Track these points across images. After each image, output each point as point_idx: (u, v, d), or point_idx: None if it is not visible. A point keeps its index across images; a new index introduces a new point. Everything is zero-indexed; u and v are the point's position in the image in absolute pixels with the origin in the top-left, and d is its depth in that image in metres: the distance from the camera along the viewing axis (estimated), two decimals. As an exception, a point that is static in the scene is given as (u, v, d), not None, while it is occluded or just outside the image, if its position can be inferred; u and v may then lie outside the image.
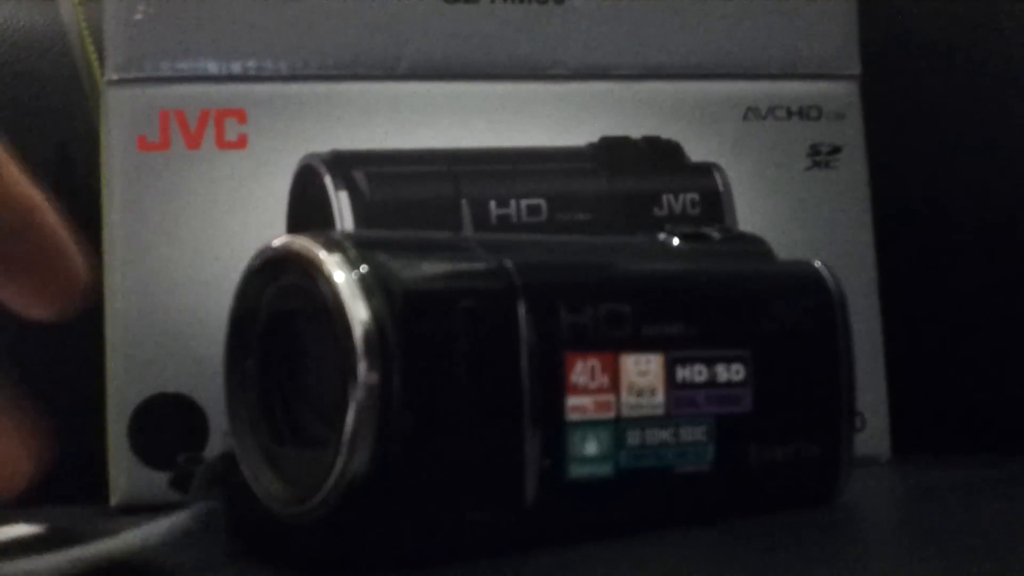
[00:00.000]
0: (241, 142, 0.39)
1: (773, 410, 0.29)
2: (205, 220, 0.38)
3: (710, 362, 0.28)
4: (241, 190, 0.39)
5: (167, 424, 0.38)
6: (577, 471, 0.26)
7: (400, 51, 0.40)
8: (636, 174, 0.41)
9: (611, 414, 0.27)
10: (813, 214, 0.42)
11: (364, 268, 0.24)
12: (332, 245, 0.25)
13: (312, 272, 0.25)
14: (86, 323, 0.34)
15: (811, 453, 0.30)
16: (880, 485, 0.38)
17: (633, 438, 0.27)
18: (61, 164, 0.48)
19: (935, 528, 0.29)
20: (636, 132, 0.42)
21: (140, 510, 0.35)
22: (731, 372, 0.29)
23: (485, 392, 0.25)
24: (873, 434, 0.42)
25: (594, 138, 0.41)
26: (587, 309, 0.27)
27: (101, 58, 0.40)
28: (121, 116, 0.39)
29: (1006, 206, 0.46)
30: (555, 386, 0.26)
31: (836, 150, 0.43)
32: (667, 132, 0.42)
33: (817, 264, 0.31)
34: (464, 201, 0.39)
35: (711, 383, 0.28)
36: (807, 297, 0.30)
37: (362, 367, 0.24)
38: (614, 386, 0.27)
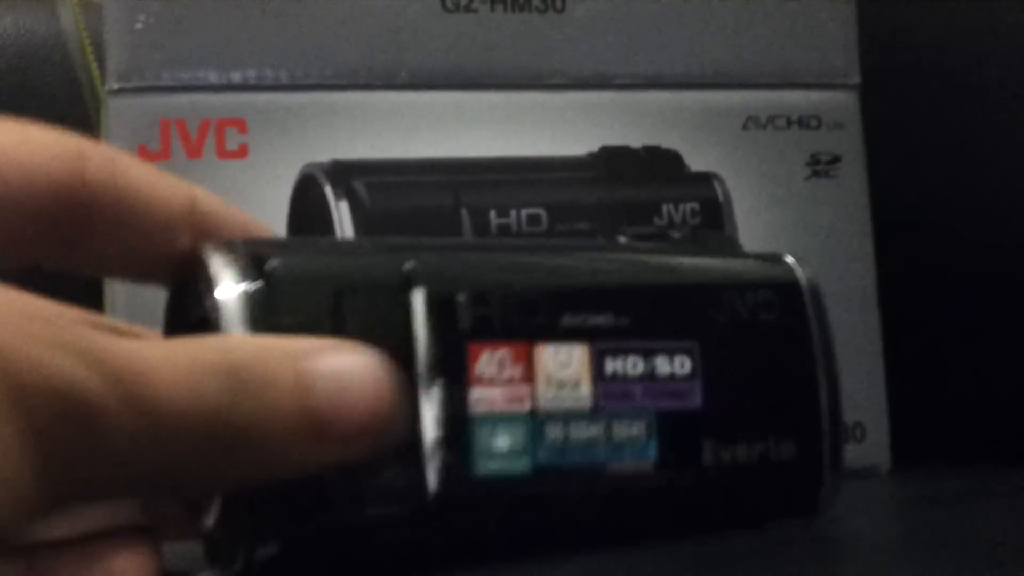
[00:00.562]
0: (242, 151, 0.39)
1: (730, 406, 0.28)
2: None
3: (648, 354, 0.27)
4: (242, 199, 0.39)
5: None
6: (486, 466, 0.25)
7: (400, 60, 0.41)
8: (636, 183, 0.41)
9: (525, 407, 0.26)
10: (813, 223, 0.43)
11: (244, 263, 0.24)
12: (224, 248, 0.25)
13: (201, 276, 0.25)
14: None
15: (784, 455, 0.28)
16: (880, 495, 0.38)
17: (554, 433, 0.26)
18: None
19: (936, 538, 0.29)
20: (636, 141, 0.42)
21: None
22: (674, 365, 0.27)
23: None
24: (873, 444, 0.42)
25: (594, 147, 0.41)
26: (494, 298, 0.26)
27: (102, 67, 0.40)
28: (122, 125, 0.39)
29: (1006, 215, 0.46)
30: (456, 377, 0.25)
31: (836, 159, 0.43)
32: (667, 141, 0.42)
33: (787, 257, 0.30)
34: (464, 211, 0.39)
35: (650, 376, 0.27)
36: (771, 289, 0.29)
37: None
38: (528, 378, 0.26)
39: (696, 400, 0.27)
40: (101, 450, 0.19)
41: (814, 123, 0.43)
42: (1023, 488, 0.37)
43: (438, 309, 0.25)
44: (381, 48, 0.40)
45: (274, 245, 0.26)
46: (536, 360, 0.26)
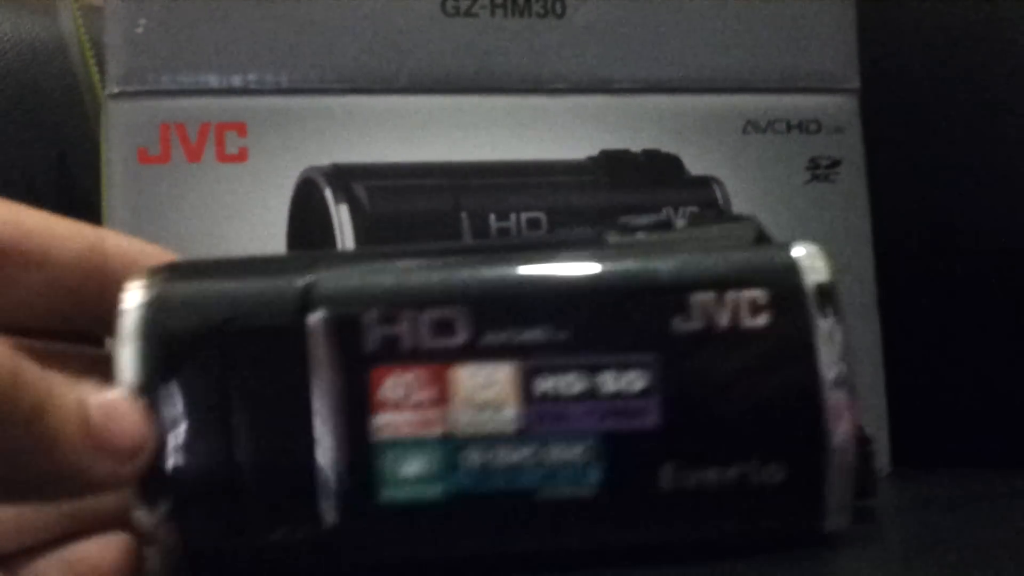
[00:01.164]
0: (242, 155, 0.39)
1: (699, 424, 0.25)
2: (206, 233, 0.38)
3: (590, 371, 0.24)
4: (242, 203, 0.39)
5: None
6: (392, 494, 0.24)
7: (400, 65, 0.41)
8: (636, 187, 0.41)
9: (437, 431, 0.24)
10: (812, 227, 0.43)
11: (147, 297, 0.24)
12: (150, 272, 0.25)
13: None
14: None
15: (770, 479, 0.25)
16: (880, 499, 0.38)
17: (471, 458, 0.24)
18: (62, 177, 0.48)
19: (935, 542, 0.29)
20: (636, 145, 0.42)
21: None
22: (622, 382, 0.24)
23: (269, 412, 0.24)
24: (873, 447, 0.42)
25: (594, 151, 0.41)
26: (405, 318, 0.24)
27: (102, 71, 0.40)
28: (122, 129, 0.39)
29: (1006, 219, 0.46)
30: (358, 404, 0.24)
31: (835, 163, 0.43)
32: (667, 145, 0.42)
33: (795, 250, 0.26)
34: (464, 214, 0.39)
35: (590, 395, 0.24)
36: (761, 290, 0.25)
37: (127, 376, 0.24)
38: (442, 401, 0.24)
39: (651, 419, 0.24)
40: None
41: (814, 127, 0.43)
42: (1018, 492, 0.37)
43: (338, 332, 0.24)
44: (381, 52, 0.40)
45: (171, 272, 0.26)
46: (452, 382, 0.24)
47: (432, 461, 0.24)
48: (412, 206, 0.39)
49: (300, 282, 0.25)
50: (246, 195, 0.39)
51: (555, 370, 0.25)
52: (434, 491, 0.24)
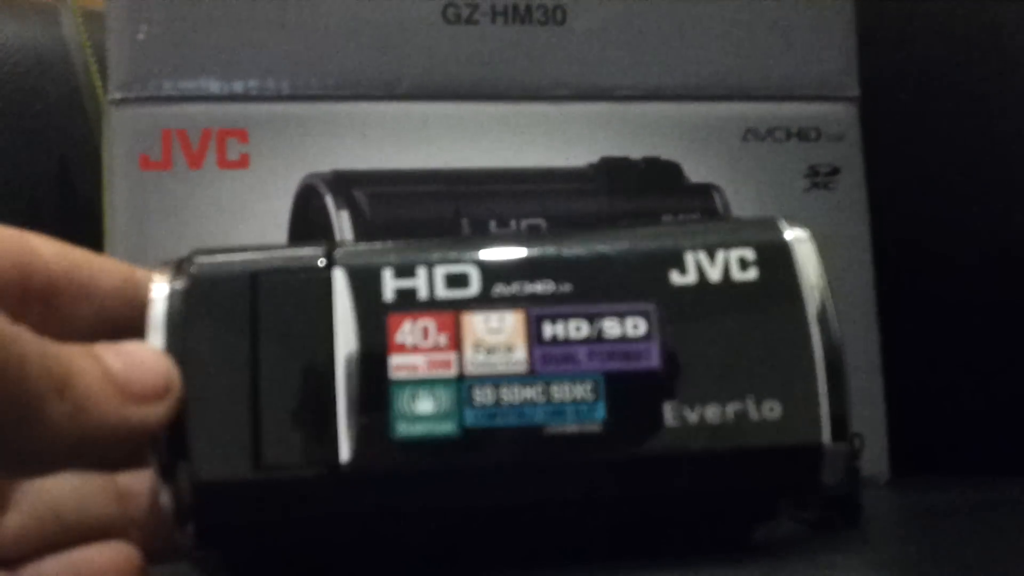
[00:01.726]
0: (243, 161, 0.39)
1: (696, 367, 0.27)
2: (207, 239, 0.39)
3: (593, 317, 0.27)
4: (243, 209, 0.39)
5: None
6: (407, 429, 0.26)
7: (401, 71, 0.41)
8: (636, 194, 0.41)
9: (451, 372, 0.26)
10: (812, 234, 0.43)
11: (178, 266, 0.27)
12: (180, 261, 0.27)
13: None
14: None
15: (768, 415, 0.27)
16: (879, 506, 0.38)
17: (483, 396, 0.26)
18: (63, 183, 0.48)
19: (934, 549, 0.29)
20: (636, 153, 0.42)
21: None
22: (625, 327, 0.27)
23: (293, 355, 0.26)
24: (872, 455, 0.42)
25: (594, 158, 0.42)
26: (419, 274, 0.27)
27: (104, 77, 0.40)
28: (123, 135, 0.39)
29: (1005, 226, 0.46)
30: (376, 347, 0.26)
31: (835, 171, 0.43)
32: (667, 153, 0.42)
33: (780, 220, 0.29)
34: (464, 221, 0.39)
35: (596, 339, 0.26)
36: (751, 248, 0.28)
37: (156, 338, 0.26)
38: (455, 344, 0.26)
39: (652, 361, 0.27)
40: None
41: (813, 135, 0.43)
42: (1020, 499, 0.37)
43: (360, 284, 0.26)
44: (382, 59, 0.41)
45: (207, 253, 0.27)
46: (463, 327, 0.26)
47: (446, 398, 0.26)
48: (413, 213, 0.39)
49: (324, 248, 0.27)
50: (247, 201, 0.39)
51: (561, 316, 0.27)
52: (448, 426, 0.26)
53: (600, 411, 0.26)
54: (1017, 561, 0.28)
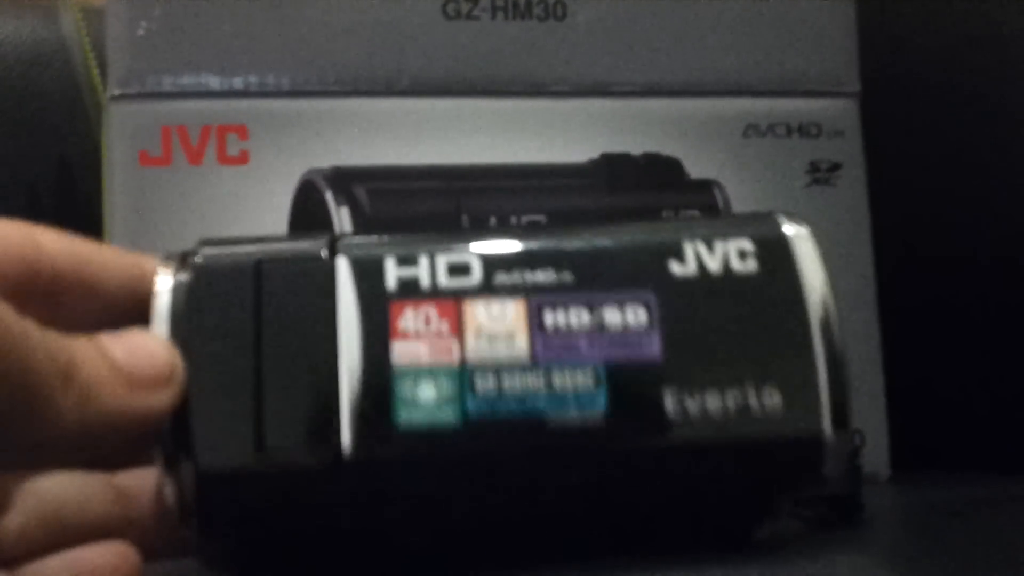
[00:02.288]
0: (243, 157, 0.39)
1: (697, 356, 0.27)
2: (207, 235, 0.38)
3: (595, 306, 0.27)
4: (243, 205, 0.39)
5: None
6: (409, 417, 0.25)
7: (401, 67, 0.41)
8: (636, 190, 0.41)
9: (453, 359, 0.26)
10: (810, 227, 0.42)
11: (182, 255, 0.27)
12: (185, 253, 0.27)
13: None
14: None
15: (769, 403, 0.26)
16: (879, 503, 0.38)
17: (485, 383, 0.26)
18: (63, 179, 0.48)
19: (935, 546, 0.29)
20: (636, 149, 0.42)
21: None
22: (626, 316, 0.27)
23: (296, 342, 0.26)
24: (872, 451, 0.42)
25: (595, 154, 0.42)
26: (421, 263, 0.27)
27: (103, 73, 0.40)
28: (123, 131, 0.39)
29: (1006, 222, 0.46)
30: (378, 334, 0.26)
31: (836, 167, 0.43)
32: (667, 149, 0.42)
33: (778, 213, 0.29)
34: (464, 217, 0.39)
35: (597, 328, 0.27)
36: (749, 240, 0.28)
37: (160, 328, 0.26)
38: (457, 332, 0.26)
39: (653, 350, 0.26)
40: None
41: (814, 131, 0.43)
42: (1020, 496, 0.37)
43: (362, 273, 0.26)
44: (382, 54, 0.41)
45: (213, 244, 0.28)
46: (465, 315, 0.26)
47: (448, 386, 0.26)
48: (413, 209, 0.39)
49: (327, 238, 0.27)
50: (247, 197, 0.39)
51: (562, 304, 0.27)
52: (449, 415, 0.26)
53: (601, 400, 0.26)
54: (1018, 558, 0.28)
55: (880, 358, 0.43)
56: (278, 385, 0.25)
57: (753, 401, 0.26)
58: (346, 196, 0.38)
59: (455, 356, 0.26)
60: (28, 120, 0.48)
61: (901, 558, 0.29)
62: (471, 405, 0.26)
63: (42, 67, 0.49)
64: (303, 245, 0.27)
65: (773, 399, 0.26)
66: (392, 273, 0.26)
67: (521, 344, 0.26)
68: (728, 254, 0.28)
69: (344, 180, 0.39)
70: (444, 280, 0.26)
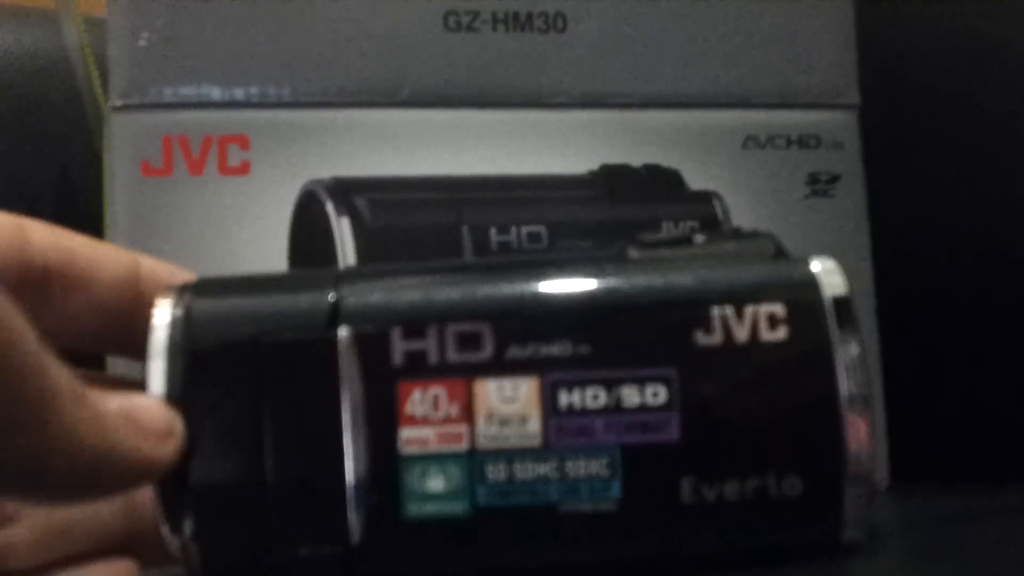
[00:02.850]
0: (244, 168, 0.39)
1: (717, 438, 0.25)
2: (208, 245, 0.39)
3: (612, 384, 0.25)
4: (244, 216, 0.39)
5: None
6: (418, 508, 0.24)
7: (402, 78, 0.41)
8: (636, 202, 0.41)
9: (462, 446, 0.24)
10: (812, 242, 0.43)
11: (177, 313, 0.25)
12: (179, 289, 0.25)
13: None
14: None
15: (788, 492, 0.25)
16: (879, 513, 0.38)
17: (496, 472, 0.24)
18: (64, 189, 0.48)
19: (932, 555, 0.29)
20: (636, 160, 0.42)
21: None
22: (645, 395, 0.25)
23: (298, 427, 0.24)
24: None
25: (595, 166, 0.42)
26: (429, 334, 0.25)
27: (105, 84, 0.40)
28: (124, 141, 0.39)
29: (1005, 234, 0.46)
30: (385, 418, 0.24)
31: (835, 179, 0.43)
32: (667, 160, 0.42)
33: (815, 264, 0.27)
34: (465, 228, 0.39)
35: (614, 409, 0.25)
36: (781, 304, 0.25)
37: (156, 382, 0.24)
38: (467, 415, 0.24)
39: (672, 432, 0.25)
40: None
41: (813, 142, 0.43)
42: (1017, 507, 0.37)
43: (366, 347, 0.24)
44: (383, 66, 0.41)
45: (199, 288, 0.26)
46: (476, 396, 0.24)
47: (457, 476, 0.24)
48: (413, 219, 0.39)
49: (328, 297, 0.25)
50: (248, 208, 0.39)
51: (577, 384, 0.25)
52: (459, 506, 0.24)
53: (615, 488, 0.25)
54: (1017, 568, 0.28)
55: (879, 367, 0.43)
56: (281, 474, 0.24)
57: (773, 490, 0.25)
58: (347, 206, 0.38)
59: (465, 443, 0.24)
60: (30, 130, 0.48)
61: (900, 567, 0.29)
62: (481, 494, 0.24)
63: (44, 77, 0.49)
64: (303, 309, 0.25)
65: (794, 489, 0.25)
66: (398, 347, 0.25)
67: (534, 428, 0.25)
68: (758, 321, 0.25)
69: (345, 191, 0.39)
70: (454, 355, 0.25)
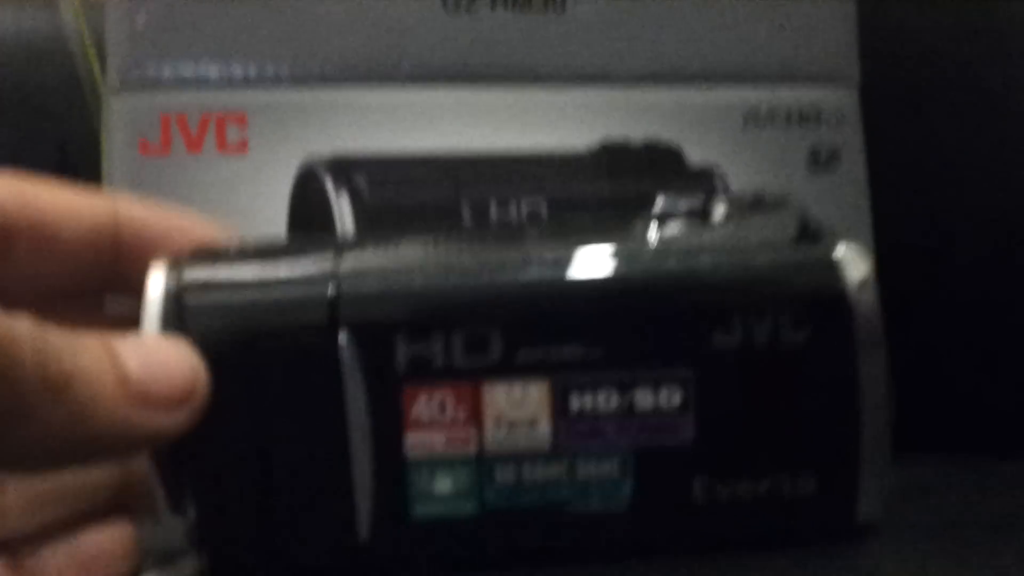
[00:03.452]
0: (242, 146, 0.39)
1: (732, 439, 0.24)
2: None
3: (625, 387, 0.24)
4: (242, 194, 0.39)
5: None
6: (425, 510, 0.24)
7: (401, 57, 0.41)
8: (636, 178, 0.41)
9: (471, 450, 0.24)
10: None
11: (170, 296, 0.24)
12: (172, 262, 0.24)
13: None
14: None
15: (803, 488, 0.25)
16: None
17: (503, 476, 0.24)
18: (62, 168, 0.48)
19: (931, 525, 0.29)
20: (636, 137, 0.42)
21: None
22: (659, 398, 0.24)
23: (305, 432, 0.24)
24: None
25: (594, 143, 0.41)
26: (435, 337, 0.24)
27: (103, 63, 0.40)
28: (123, 120, 0.39)
29: (1005, 210, 0.46)
30: (391, 422, 0.24)
31: (835, 155, 0.43)
32: (667, 137, 0.42)
33: (839, 249, 0.26)
34: (464, 204, 0.39)
35: (625, 412, 0.24)
36: (804, 304, 0.25)
37: None
38: (475, 419, 0.24)
39: (686, 434, 0.24)
40: None
41: (814, 119, 0.43)
42: (1016, 477, 0.37)
43: (370, 351, 0.24)
44: (382, 44, 0.40)
45: (192, 265, 0.25)
46: (484, 401, 0.24)
47: (465, 478, 0.24)
48: (412, 196, 0.39)
49: (328, 292, 0.24)
50: (247, 186, 0.39)
51: (590, 387, 0.24)
52: (467, 508, 0.24)
53: (626, 490, 0.24)
54: (1011, 540, 0.27)
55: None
56: (287, 479, 0.24)
57: (787, 488, 0.25)
58: (346, 183, 0.38)
59: (472, 446, 0.24)
60: (28, 110, 0.48)
61: (898, 536, 0.29)
62: (489, 496, 0.24)
63: (42, 57, 0.49)
64: (304, 306, 0.24)
65: (808, 487, 0.25)
66: (403, 351, 0.24)
67: (543, 431, 0.24)
68: (778, 320, 0.24)
69: (344, 168, 0.39)
70: (460, 359, 0.24)
